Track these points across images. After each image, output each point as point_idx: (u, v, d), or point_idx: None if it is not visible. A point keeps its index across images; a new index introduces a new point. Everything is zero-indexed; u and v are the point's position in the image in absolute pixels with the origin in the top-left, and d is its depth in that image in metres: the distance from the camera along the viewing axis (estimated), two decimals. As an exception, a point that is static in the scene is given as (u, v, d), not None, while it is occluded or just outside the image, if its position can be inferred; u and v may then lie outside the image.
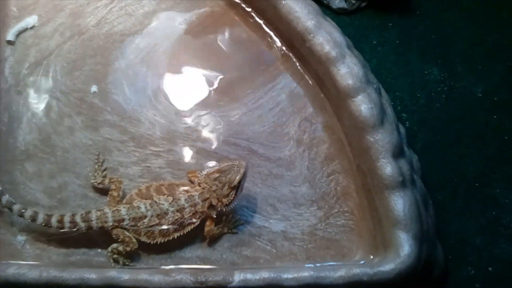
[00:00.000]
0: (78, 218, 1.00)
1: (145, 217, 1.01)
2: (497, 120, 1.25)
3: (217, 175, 1.02)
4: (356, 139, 1.02)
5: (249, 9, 1.16)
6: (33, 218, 1.00)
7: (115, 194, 1.04)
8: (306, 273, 0.95)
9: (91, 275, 0.93)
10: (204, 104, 1.14)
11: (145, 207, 1.01)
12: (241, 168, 1.02)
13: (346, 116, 1.03)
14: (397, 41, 1.31)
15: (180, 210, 1.01)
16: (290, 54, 1.14)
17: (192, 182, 1.06)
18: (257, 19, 1.15)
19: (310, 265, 1.03)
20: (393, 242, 0.96)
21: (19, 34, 1.14)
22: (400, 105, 1.26)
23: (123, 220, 1.00)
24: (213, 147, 1.12)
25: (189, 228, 1.03)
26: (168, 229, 1.02)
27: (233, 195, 1.02)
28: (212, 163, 1.10)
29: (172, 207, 1.01)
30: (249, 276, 0.94)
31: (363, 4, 1.31)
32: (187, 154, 1.11)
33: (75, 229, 1.01)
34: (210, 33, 1.17)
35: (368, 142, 0.99)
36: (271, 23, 1.13)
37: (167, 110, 1.13)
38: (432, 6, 1.35)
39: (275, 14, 1.06)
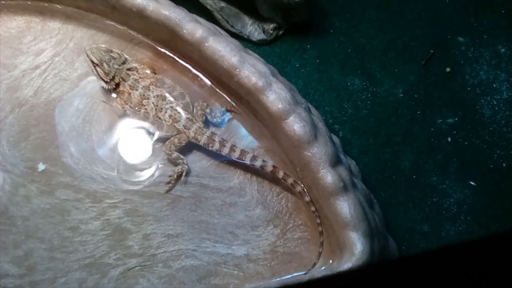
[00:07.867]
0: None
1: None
2: (421, 115, 1.34)
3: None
4: (296, 156, 1.07)
5: (175, 56, 1.21)
6: None
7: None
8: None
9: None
10: (149, 151, 1.18)
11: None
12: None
13: (282, 137, 1.08)
14: (318, 60, 1.39)
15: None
16: (220, 91, 1.19)
17: None
18: (184, 63, 1.20)
19: (276, 279, 1.09)
20: (346, 243, 1.01)
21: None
22: (331, 118, 1.33)
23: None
24: (165, 189, 1.16)
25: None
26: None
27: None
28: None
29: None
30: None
31: (280, 32, 1.39)
32: (142, 200, 1.14)
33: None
34: (144, 83, 1.22)
35: (307, 157, 1.04)
36: (198, 65, 1.18)
37: (115, 162, 1.16)
38: (343, 22, 1.43)
39: (200, 56, 1.12)
